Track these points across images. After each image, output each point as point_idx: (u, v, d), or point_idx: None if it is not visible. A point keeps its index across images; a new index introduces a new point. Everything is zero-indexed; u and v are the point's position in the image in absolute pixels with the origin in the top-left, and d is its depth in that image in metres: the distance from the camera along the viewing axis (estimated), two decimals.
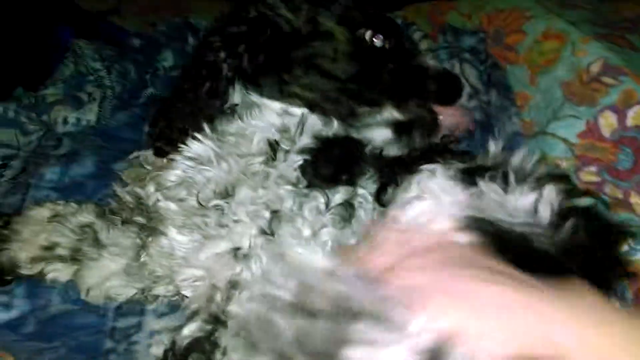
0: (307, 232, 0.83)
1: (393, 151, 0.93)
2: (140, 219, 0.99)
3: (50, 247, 1.02)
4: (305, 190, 0.85)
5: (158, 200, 0.92)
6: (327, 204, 0.84)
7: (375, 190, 0.86)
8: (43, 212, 1.05)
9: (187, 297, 0.87)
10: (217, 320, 0.76)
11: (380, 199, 0.85)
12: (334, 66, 0.96)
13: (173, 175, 0.92)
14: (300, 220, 0.83)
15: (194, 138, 0.92)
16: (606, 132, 1.15)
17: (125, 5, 2.43)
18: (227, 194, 0.86)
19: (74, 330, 0.98)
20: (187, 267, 0.86)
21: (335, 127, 0.93)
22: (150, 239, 0.93)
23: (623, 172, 1.10)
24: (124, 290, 1.02)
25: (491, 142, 1.10)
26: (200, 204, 0.86)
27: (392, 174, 0.86)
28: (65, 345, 0.95)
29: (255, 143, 0.90)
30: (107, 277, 1.01)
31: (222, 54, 0.94)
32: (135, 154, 1.06)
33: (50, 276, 1.03)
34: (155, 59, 1.65)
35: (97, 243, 1.03)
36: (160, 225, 0.91)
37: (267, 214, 0.83)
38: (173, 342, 0.76)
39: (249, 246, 0.81)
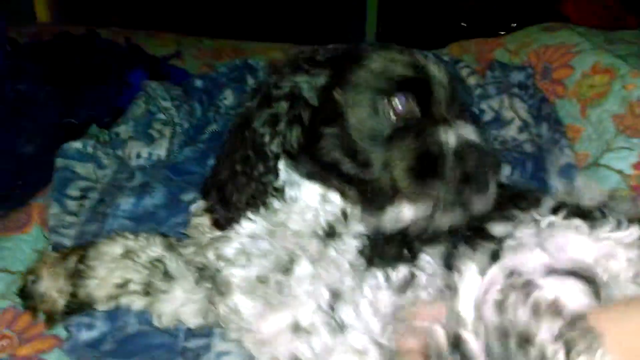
0: (367, 310, 0.87)
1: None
2: (207, 285, 1.04)
3: (123, 284, 1.08)
4: (364, 270, 0.90)
5: (222, 266, 0.97)
6: (386, 279, 0.88)
7: (443, 255, 0.89)
8: (115, 249, 1.11)
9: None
10: None
11: (449, 263, 0.86)
12: (350, 149, 0.89)
13: (231, 249, 0.97)
14: (359, 298, 0.88)
15: (248, 217, 0.96)
16: None
17: (186, 49, 2.61)
18: (286, 269, 0.91)
19: (149, 349, 1.05)
20: (251, 332, 0.92)
21: None
22: (217, 298, 0.97)
23: None
24: (194, 319, 1.08)
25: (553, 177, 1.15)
26: (261, 279, 0.92)
27: (458, 239, 0.88)
28: None
29: (306, 220, 0.95)
30: (178, 307, 1.08)
31: (267, 137, 0.94)
32: (194, 206, 1.13)
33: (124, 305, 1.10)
34: (217, 98, 1.76)
35: (167, 275, 1.09)
36: (226, 288, 0.95)
37: (326, 293, 0.88)
38: None
39: (310, 323, 0.86)
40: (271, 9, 3.67)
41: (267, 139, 0.94)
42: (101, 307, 1.09)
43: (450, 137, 0.86)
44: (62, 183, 1.43)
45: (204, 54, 2.59)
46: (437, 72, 0.91)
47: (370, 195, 0.88)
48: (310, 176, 0.95)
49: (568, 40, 1.70)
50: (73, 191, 1.43)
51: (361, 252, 0.90)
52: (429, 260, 0.89)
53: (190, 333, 1.09)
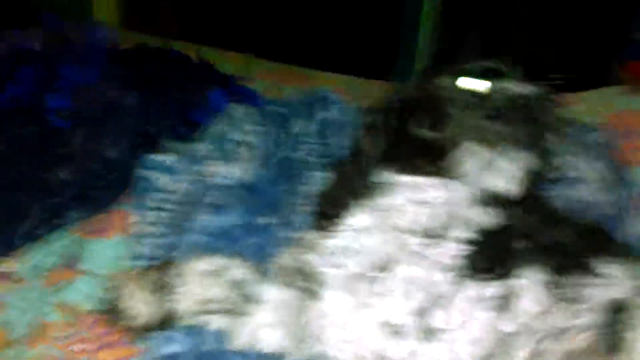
0: (457, 319, 0.87)
1: None
2: (301, 284, 1.04)
3: (205, 301, 1.09)
4: (459, 279, 0.90)
5: (318, 266, 1.00)
6: (479, 295, 0.88)
7: (545, 281, 0.89)
8: (200, 265, 1.12)
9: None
10: None
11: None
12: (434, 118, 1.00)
13: (332, 243, 1.00)
14: (452, 307, 0.88)
15: (354, 210, 1.02)
16: None
17: (252, 69, 2.66)
18: (384, 267, 0.93)
19: None
20: (337, 328, 0.92)
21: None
22: (308, 302, 0.99)
23: None
24: (271, 344, 1.07)
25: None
26: (359, 273, 0.93)
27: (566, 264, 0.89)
28: None
29: (407, 214, 0.98)
30: (256, 330, 1.08)
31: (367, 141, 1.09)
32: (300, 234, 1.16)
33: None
34: (288, 124, 1.80)
35: (247, 298, 1.09)
36: (318, 289, 0.97)
37: (420, 296, 0.89)
38: None
39: (399, 324, 0.87)
40: (330, 37, 3.73)
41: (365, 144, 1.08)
42: (181, 322, 1.09)
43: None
44: (142, 193, 1.46)
45: (270, 77, 2.64)
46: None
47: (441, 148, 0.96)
48: (400, 170, 1.01)
49: None
50: (151, 202, 1.46)
51: (460, 258, 0.91)
52: (526, 283, 0.89)
53: (262, 355, 1.09)
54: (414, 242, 0.94)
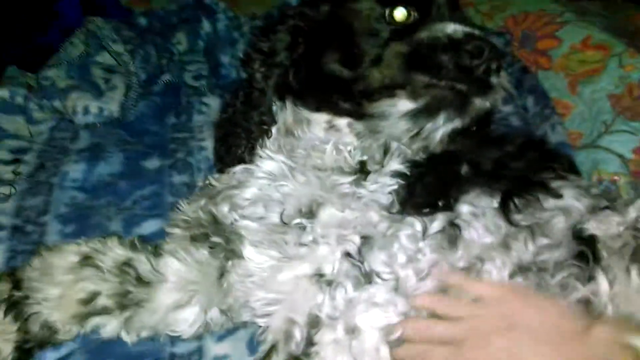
0: (402, 259, 0.76)
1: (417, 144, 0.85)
2: (218, 239, 0.88)
3: (89, 300, 0.86)
4: (399, 216, 0.79)
5: (235, 220, 0.83)
6: (424, 231, 0.77)
7: (498, 206, 0.79)
8: (68, 257, 0.88)
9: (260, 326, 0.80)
10: None
11: (509, 215, 0.78)
12: (348, 54, 0.88)
13: (248, 193, 0.84)
14: (396, 246, 0.77)
15: (263, 155, 0.88)
16: None
17: None
18: (310, 212, 0.79)
19: (131, 359, 0.87)
20: (262, 289, 0.79)
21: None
22: (230, 262, 0.83)
23: None
24: (185, 327, 0.89)
25: None
26: (283, 222, 0.79)
27: (515, 188, 0.80)
28: None
29: (329, 152, 0.85)
30: (164, 316, 0.89)
31: (262, 72, 0.93)
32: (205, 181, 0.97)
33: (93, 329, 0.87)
34: (169, 41, 1.50)
35: (141, 282, 0.88)
36: (239, 246, 0.82)
37: (356, 239, 0.77)
38: None
39: (332, 271, 0.75)
40: None
41: (261, 78, 0.93)
42: (65, 335, 0.85)
43: (446, 28, 0.82)
44: None
45: None
46: None
47: (367, 92, 0.85)
48: (317, 107, 0.91)
49: (548, 9, 1.64)
50: (2, 152, 1.15)
51: (397, 194, 0.80)
52: (473, 211, 0.79)
53: (176, 336, 0.92)
54: (344, 181, 0.81)
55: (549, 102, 1.43)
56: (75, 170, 1.13)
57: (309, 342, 0.72)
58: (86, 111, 1.21)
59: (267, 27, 0.99)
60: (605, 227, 0.75)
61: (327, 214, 0.78)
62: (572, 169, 0.90)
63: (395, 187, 0.81)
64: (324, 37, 0.92)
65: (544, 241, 0.75)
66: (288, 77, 0.94)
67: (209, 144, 1.25)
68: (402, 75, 0.82)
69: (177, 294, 0.89)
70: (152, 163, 1.19)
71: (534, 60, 1.57)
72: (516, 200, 0.79)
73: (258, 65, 0.94)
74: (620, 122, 1.24)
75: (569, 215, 0.78)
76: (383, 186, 0.81)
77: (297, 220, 0.78)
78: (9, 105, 1.22)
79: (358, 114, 0.87)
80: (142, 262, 0.89)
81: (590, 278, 0.71)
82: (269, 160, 0.86)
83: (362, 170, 0.83)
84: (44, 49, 1.44)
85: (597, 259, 0.72)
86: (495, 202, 0.80)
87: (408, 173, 0.83)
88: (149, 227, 1.07)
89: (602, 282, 0.71)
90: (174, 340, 0.92)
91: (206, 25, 1.59)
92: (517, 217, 0.78)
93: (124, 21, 1.55)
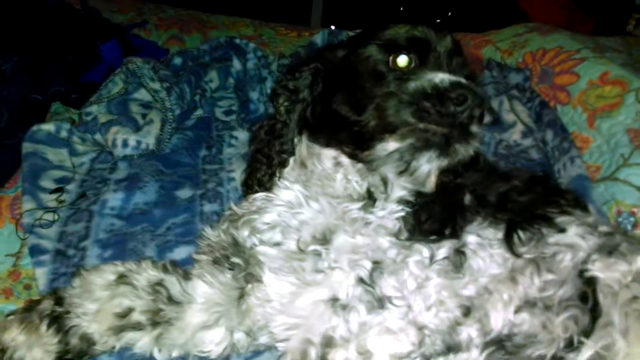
0: (412, 285, 0.80)
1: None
2: (237, 260, 0.93)
3: (124, 315, 0.92)
4: (407, 243, 0.83)
5: (254, 244, 0.89)
6: (431, 258, 0.81)
7: (502, 237, 0.83)
8: (106, 276, 0.95)
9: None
10: None
11: (512, 247, 0.81)
12: (354, 96, 0.94)
13: (268, 219, 0.90)
14: (406, 272, 0.80)
15: (281, 184, 0.94)
16: None
17: (147, 17, 2.36)
18: (324, 239, 0.84)
19: None
20: (281, 314, 0.83)
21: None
22: (249, 285, 0.88)
23: None
24: (213, 347, 0.94)
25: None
26: (300, 249, 0.84)
27: (519, 220, 0.84)
28: None
29: (339, 181, 0.91)
30: (192, 335, 0.94)
31: (285, 107, 1.02)
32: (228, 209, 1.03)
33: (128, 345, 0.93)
34: (202, 79, 1.59)
35: (172, 301, 0.94)
36: (258, 271, 0.87)
37: (368, 264, 0.81)
38: None
39: (347, 296, 0.79)
40: None
41: (285, 111, 1.02)
42: (102, 347, 0.91)
43: (434, 77, 0.88)
44: (33, 172, 1.23)
45: (168, 24, 2.35)
46: (439, 36, 0.96)
47: (365, 136, 0.91)
48: (327, 143, 0.97)
49: (567, 46, 1.68)
50: (46, 182, 1.23)
51: (404, 220, 0.85)
52: (479, 241, 0.83)
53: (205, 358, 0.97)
54: (353, 207, 0.86)
55: (567, 136, 1.46)
56: (113, 198, 1.20)
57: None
58: (125, 144, 1.30)
59: (293, 67, 1.09)
60: (611, 274, 0.77)
61: (340, 240, 0.83)
62: (578, 205, 0.91)
63: (402, 214, 0.85)
64: (338, 79, 1.00)
65: (549, 276, 0.78)
66: (307, 113, 1.02)
67: (237, 174, 1.31)
68: (393, 119, 0.88)
69: (204, 314, 0.94)
70: (185, 193, 1.26)
71: (553, 95, 1.61)
72: (520, 233, 0.82)
73: (283, 100, 1.02)
74: (638, 155, 1.27)
75: (575, 252, 0.80)
76: (390, 212, 0.86)
77: (313, 247, 0.83)
78: (54, 139, 1.31)
79: (357, 158, 0.92)
80: (173, 284, 0.96)
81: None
82: (287, 190, 0.92)
83: (369, 197, 0.89)
84: (88, 87, 1.54)
85: (596, 303, 0.75)
86: (499, 234, 0.84)
87: (413, 201, 0.88)
88: (180, 252, 1.13)
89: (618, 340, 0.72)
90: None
91: (237, 64, 1.68)
92: (521, 249, 0.81)
93: (161, 60, 1.66)
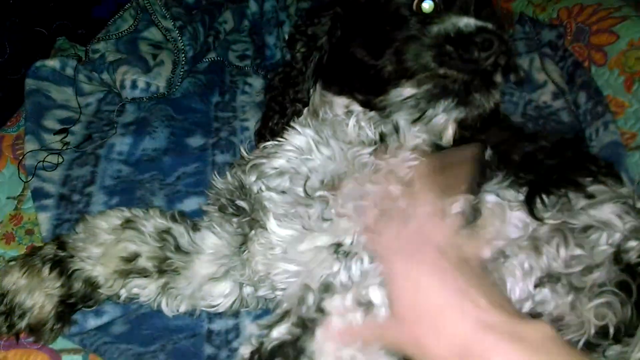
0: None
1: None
2: (242, 204, 0.88)
3: (130, 259, 0.88)
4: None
5: (261, 190, 0.84)
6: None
7: (524, 199, 0.77)
8: (112, 220, 0.91)
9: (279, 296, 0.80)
10: (305, 326, 0.68)
11: (534, 209, 0.75)
12: (374, 40, 0.89)
13: (276, 164, 0.84)
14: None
15: (292, 128, 0.87)
16: None
17: None
18: (332, 185, 0.79)
19: (169, 333, 0.89)
20: (283, 261, 0.78)
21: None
22: (252, 232, 0.83)
23: None
24: (221, 300, 0.91)
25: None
26: (307, 193, 0.79)
27: (545, 182, 0.78)
28: (164, 350, 0.86)
29: (351, 127, 0.85)
30: (199, 286, 0.90)
31: (302, 53, 0.97)
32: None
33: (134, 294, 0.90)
34: (216, 20, 1.50)
35: (180, 251, 0.91)
36: (262, 217, 0.82)
37: (375, 212, 0.75)
38: (261, 344, 0.69)
39: (352, 243, 0.73)
40: None
41: (301, 58, 0.97)
42: (107, 291, 0.87)
43: (459, 22, 0.82)
44: (37, 111, 1.16)
45: None
46: None
47: (380, 82, 0.86)
48: (340, 91, 0.93)
49: (606, 3, 1.57)
50: (50, 122, 1.16)
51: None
52: (497, 200, 0.77)
53: (214, 313, 0.93)
54: (364, 152, 0.81)
55: (602, 99, 1.38)
56: (121, 143, 1.14)
57: (319, 308, 0.70)
58: (134, 85, 1.22)
59: (313, 12, 1.02)
60: None
61: (349, 187, 0.77)
62: (611, 174, 0.84)
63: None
64: (358, 23, 0.94)
65: (577, 251, 0.72)
66: (323, 61, 0.97)
67: (251, 124, 1.24)
68: (412, 63, 0.83)
69: (212, 266, 0.90)
70: (196, 141, 1.19)
71: (588, 55, 1.51)
72: (544, 196, 0.76)
73: (300, 47, 0.98)
74: None
75: (611, 233, 0.74)
76: (403, 160, 0.80)
77: (320, 193, 0.78)
78: (58, 76, 1.23)
79: (370, 105, 0.88)
80: (182, 233, 0.92)
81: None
82: (298, 135, 0.86)
83: (382, 141, 0.83)
84: (96, 23, 1.45)
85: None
86: (521, 195, 0.77)
87: (429, 150, 0.82)
88: (190, 204, 1.07)
89: None
90: (212, 317, 0.93)
91: (253, 5, 1.57)
92: (544, 214, 0.75)
93: None
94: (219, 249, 0.92)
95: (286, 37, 1.51)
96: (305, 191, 0.79)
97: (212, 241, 0.92)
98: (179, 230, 0.92)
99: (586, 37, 1.55)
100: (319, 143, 0.84)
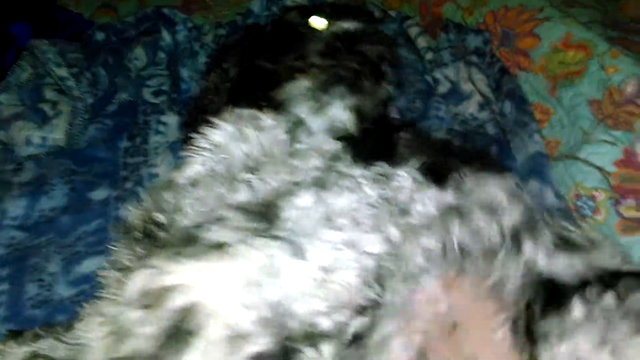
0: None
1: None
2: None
3: None
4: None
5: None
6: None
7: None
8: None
9: None
10: None
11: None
12: (274, 52, 0.98)
13: (191, 170, 0.84)
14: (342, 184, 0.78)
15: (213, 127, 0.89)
16: None
17: None
18: (255, 168, 0.82)
19: None
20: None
21: None
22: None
23: None
24: None
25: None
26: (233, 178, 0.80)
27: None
28: None
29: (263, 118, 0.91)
30: None
31: (215, 83, 1.06)
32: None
33: None
34: (126, 57, 1.43)
35: None
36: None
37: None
38: None
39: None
40: None
41: (214, 88, 1.05)
42: None
43: (344, 24, 0.95)
44: None
45: None
46: None
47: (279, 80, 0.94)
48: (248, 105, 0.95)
49: (530, 3, 1.53)
50: None
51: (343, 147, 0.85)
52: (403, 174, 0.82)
53: None
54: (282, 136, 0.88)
55: (527, 107, 1.34)
56: (15, 206, 1.07)
57: None
58: (28, 141, 1.15)
59: (228, 46, 1.15)
60: None
61: (268, 168, 0.80)
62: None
63: (339, 145, 0.85)
64: (263, 46, 1.03)
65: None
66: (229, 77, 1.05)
67: (161, 170, 1.18)
68: (307, 60, 0.93)
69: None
70: (99, 194, 1.12)
71: (515, 60, 1.48)
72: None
73: (214, 78, 1.07)
74: (600, 131, 1.15)
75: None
76: (322, 142, 0.86)
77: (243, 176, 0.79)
78: None
79: (271, 103, 0.92)
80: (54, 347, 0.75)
81: None
82: (218, 130, 0.88)
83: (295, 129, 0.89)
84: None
85: None
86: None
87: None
88: (91, 264, 1.00)
89: None
90: None
91: (166, 36, 1.51)
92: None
93: (81, 38, 1.48)
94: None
95: (201, 68, 1.45)
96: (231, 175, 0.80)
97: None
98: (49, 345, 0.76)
99: (511, 41, 1.51)
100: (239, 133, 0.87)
